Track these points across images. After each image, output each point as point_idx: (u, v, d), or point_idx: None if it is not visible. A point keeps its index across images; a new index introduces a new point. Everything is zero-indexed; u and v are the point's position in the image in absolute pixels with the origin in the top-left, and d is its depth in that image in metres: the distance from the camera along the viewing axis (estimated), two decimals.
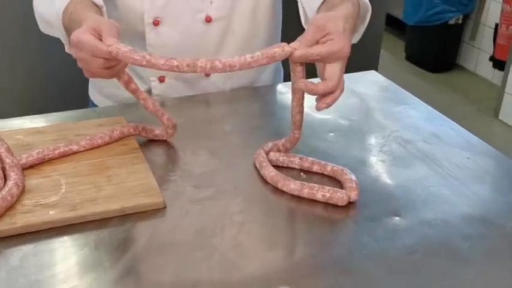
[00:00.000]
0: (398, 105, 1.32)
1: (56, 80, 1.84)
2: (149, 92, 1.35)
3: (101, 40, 0.93)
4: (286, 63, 0.98)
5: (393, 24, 4.16)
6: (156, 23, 1.27)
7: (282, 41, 1.43)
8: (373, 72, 1.47)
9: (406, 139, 1.16)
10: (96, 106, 1.43)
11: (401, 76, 3.82)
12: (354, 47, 1.10)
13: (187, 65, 0.89)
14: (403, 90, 1.40)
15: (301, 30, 1.21)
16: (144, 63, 0.89)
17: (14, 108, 2.02)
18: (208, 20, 1.29)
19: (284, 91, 1.38)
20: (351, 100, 1.30)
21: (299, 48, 0.91)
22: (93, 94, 1.46)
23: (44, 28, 1.23)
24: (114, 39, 0.92)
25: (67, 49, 1.14)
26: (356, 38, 1.15)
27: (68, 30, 1.06)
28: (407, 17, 4.08)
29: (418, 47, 4.14)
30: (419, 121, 1.25)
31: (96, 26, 0.94)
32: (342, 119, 1.22)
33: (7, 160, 0.93)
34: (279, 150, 1.06)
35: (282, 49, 0.91)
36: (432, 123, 1.24)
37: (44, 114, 1.22)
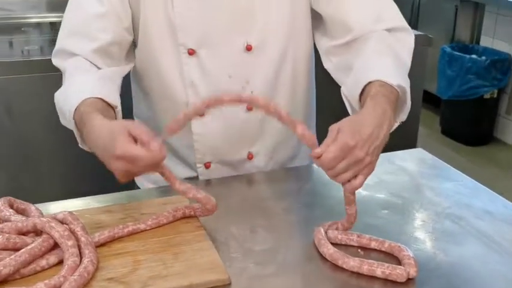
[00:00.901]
0: (447, 181, 1.36)
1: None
2: (196, 177, 1.41)
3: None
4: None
5: (427, 98, 4.21)
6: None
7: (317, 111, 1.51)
8: (419, 149, 1.52)
9: (458, 216, 1.19)
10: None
11: (438, 150, 3.84)
12: None
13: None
14: (450, 166, 1.43)
15: (335, 100, 1.27)
16: None
17: (58, 191, 2.10)
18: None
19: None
20: (401, 178, 1.34)
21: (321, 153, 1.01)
22: (139, 179, 1.50)
23: (61, 120, 1.25)
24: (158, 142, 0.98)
25: (80, 144, 1.19)
26: (401, 118, 1.20)
27: (80, 129, 1.12)
28: (441, 91, 4.14)
29: (454, 121, 4.17)
30: (469, 197, 1.28)
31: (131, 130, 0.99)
32: (394, 197, 1.26)
33: (82, 238, 0.99)
34: (337, 229, 1.10)
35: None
36: (482, 199, 1.27)
37: (106, 194, 1.28)
